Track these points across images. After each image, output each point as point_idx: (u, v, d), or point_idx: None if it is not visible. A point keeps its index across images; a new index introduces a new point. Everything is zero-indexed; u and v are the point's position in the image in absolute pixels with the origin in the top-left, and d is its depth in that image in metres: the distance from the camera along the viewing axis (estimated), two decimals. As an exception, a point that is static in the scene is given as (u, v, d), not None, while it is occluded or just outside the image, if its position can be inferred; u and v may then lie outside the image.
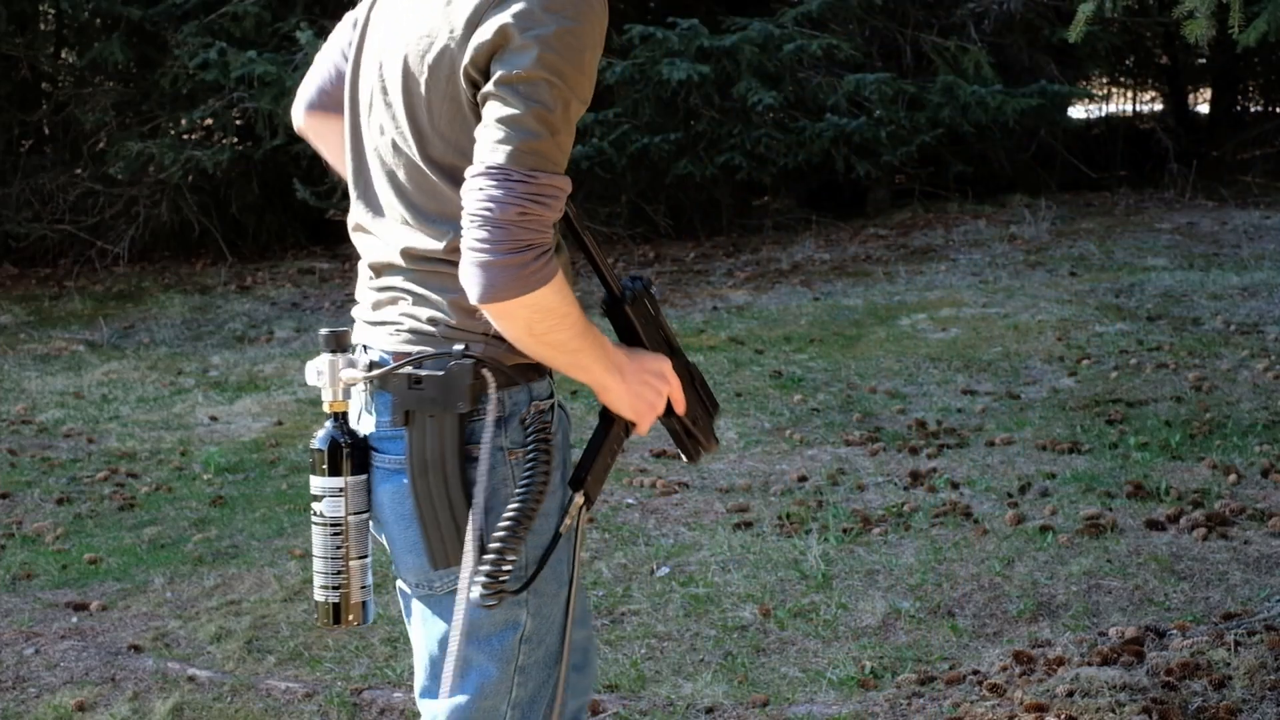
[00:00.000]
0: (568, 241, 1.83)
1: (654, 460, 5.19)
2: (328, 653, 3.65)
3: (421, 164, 1.74)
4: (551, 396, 1.84)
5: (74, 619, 3.93)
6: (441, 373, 1.71)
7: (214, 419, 6.19)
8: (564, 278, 1.68)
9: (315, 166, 10.46)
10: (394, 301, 1.79)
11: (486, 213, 1.61)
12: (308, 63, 9.35)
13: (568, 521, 1.83)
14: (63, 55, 11.60)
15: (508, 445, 1.76)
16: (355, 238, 1.88)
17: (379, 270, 1.83)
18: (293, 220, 11.11)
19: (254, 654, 3.66)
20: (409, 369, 1.73)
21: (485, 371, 1.72)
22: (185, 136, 10.76)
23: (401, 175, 1.77)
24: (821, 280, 9.02)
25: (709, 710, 3.27)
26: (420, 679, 1.88)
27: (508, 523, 1.71)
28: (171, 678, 3.53)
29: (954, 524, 4.36)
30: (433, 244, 1.74)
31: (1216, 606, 3.66)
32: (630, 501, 4.72)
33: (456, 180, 1.71)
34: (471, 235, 1.62)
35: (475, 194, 1.62)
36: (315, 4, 10.40)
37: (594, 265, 1.85)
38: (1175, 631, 3.47)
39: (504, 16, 1.63)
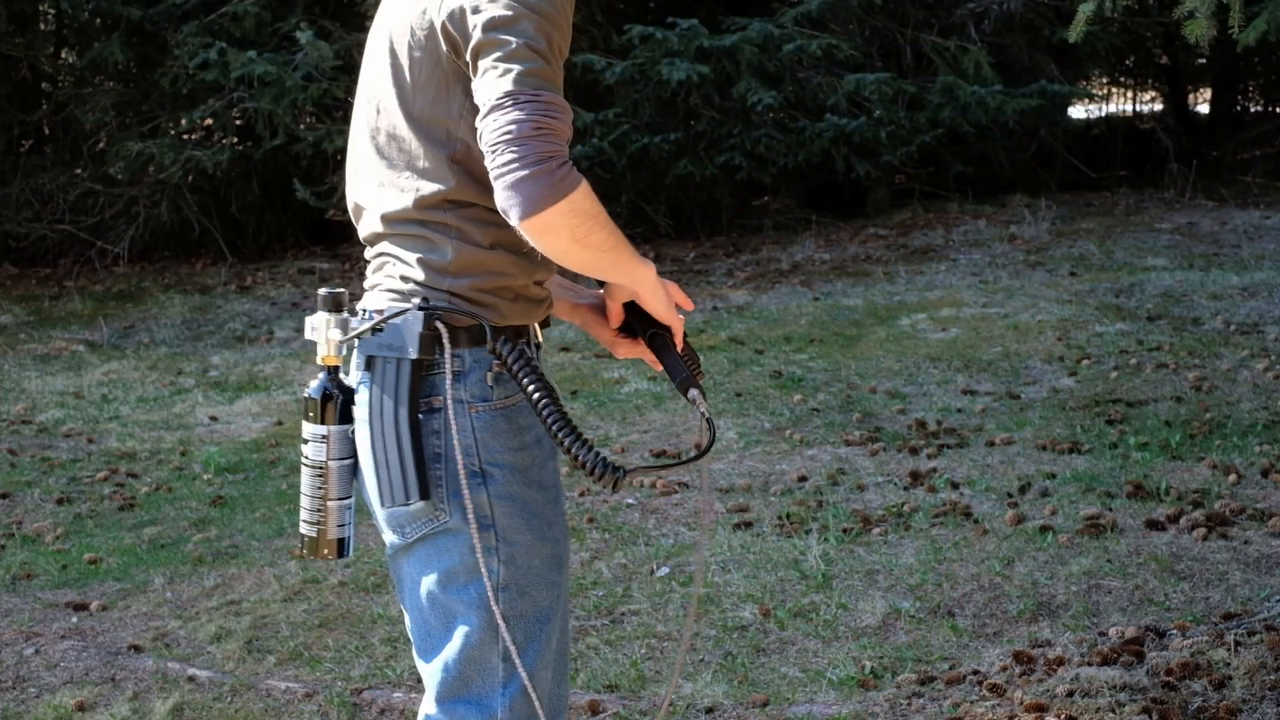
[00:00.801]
0: None
1: (654, 460, 5.19)
2: (328, 653, 3.65)
3: (401, 119, 1.83)
4: (535, 356, 1.92)
5: (74, 619, 3.93)
6: (398, 321, 1.81)
7: (214, 419, 6.19)
8: (584, 195, 1.74)
9: (315, 166, 10.48)
10: (381, 267, 1.90)
11: (506, 136, 1.68)
12: (308, 63, 9.39)
13: (701, 410, 1.93)
14: (63, 55, 11.60)
15: (467, 399, 1.82)
16: (355, 221, 1.97)
17: (371, 242, 1.93)
18: (293, 220, 11.11)
19: (254, 654, 3.66)
20: (375, 320, 1.84)
21: (438, 324, 1.80)
22: (185, 136, 10.76)
23: (382, 137, 1.86)
24: (821, 280, 9.02)
25: (709, 710, 3.27)
26: (415, 641, 1.94)
27: (558, 427, 1.79)
28: (171, 678, 3.53)
29: (954, 524, 4.36)
30: (402, 202, 1.83)
31: (1216, 606, 3.66)
32: (630, 501, 4.72)
33: (432, 137, 1.80)
34: (497, 162, 1.69)
35: (490, 127, 1.70)
36: (315, 4, 10.40)
37: None
38: (1175, 631, 3.47)
39: None
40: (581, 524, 4.50)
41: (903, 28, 11.31)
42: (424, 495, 1.80)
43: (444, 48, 1.77)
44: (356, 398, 1.87)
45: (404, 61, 1.81)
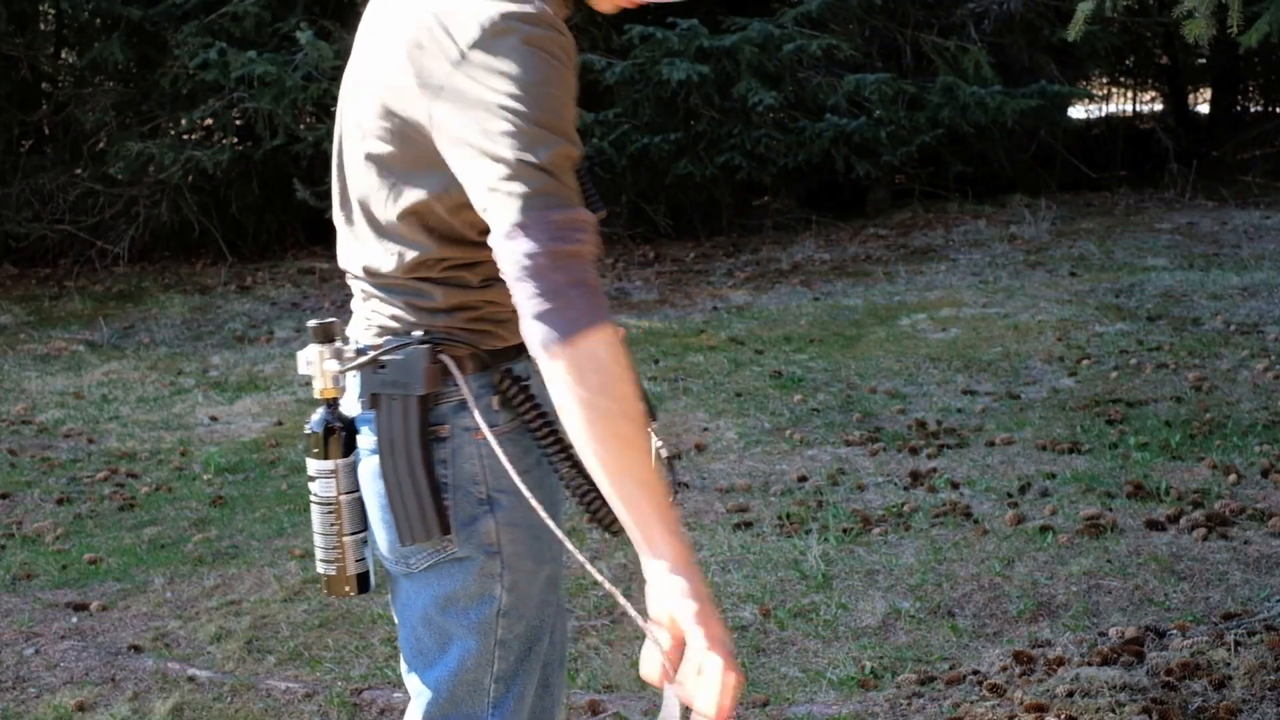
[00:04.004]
0: None
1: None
2: (328, 653, 3.65)
3: (378, 185, 1.77)
4: (530, 378, 1.86)
5: (74, 619, 3.93)
6: (400, 357, 1.77)
7: (214, 419, 6.19)
8: (620, 335, 1.64)
9: (315, 166, 10.48)
10: (366, 299, 1.86)
11: (523, 270, 1.61)
12: (308, 63, 9.39)
13: (660, 448, 1.88)
14: (63, 55, 11.61)
15: (474, 426, 1.80)
16: (338, 235, 1.93)
17: (352, 274, 1.89)
18: (293, 220, 11.12)
19: (254, 654, 3.66)
20: (375, 355, 1.80)
21: (443, 356, 1.77)
22: (185, 136, 10.76)
23: (367, 192, 1.80)
24: (821, 280, 9.02)
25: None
26: (405, 655, 1.92)
27: (569, 481, 1.81)
28: (171, 678, 3.53)
29: (954, 524, 4.36)
30: (387, 265, 1.79)
31: (1216, 606, 3.66)
32: (630, 501, 4.71)
33: (411, 209, 1.75)
34: (519, 295, 1.62)
35: (505, 259, 1.63)
36: (315, 4, 10.40)
37: None
38: (1175, 631, 3.47)
39: (469, 76, 1.64)
40: (581, 524, 4.50)
41: (903, 28, 11.31)
42: (445, 530, 1.79)
43: (430, 135, 1.69)
44: (361, 430, 1.84)
45: (383, 132, 1.74)
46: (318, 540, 1.87)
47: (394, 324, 1.81)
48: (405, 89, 1.70)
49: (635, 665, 3.50)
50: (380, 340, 1.82)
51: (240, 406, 6.38)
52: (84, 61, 10.60)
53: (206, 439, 5.86)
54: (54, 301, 9.43)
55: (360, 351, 1.84)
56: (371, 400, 1.80)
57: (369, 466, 1.84)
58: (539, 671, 1.92)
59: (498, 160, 1.62)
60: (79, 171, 10.76)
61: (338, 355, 1.85)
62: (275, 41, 9.98)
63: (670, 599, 1.56)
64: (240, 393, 6.66)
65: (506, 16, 1.63)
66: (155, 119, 10.51)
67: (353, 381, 1.87)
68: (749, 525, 4.44)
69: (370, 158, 1.78)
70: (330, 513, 1.85)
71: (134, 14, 10.09)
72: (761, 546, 4.26)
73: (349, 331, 1.91)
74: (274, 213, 11.03)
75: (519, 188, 1.61)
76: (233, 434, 5.93)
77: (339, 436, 1.84)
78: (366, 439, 1.84)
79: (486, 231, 1.67)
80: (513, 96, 1.62)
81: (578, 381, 1.57)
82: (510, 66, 1.63)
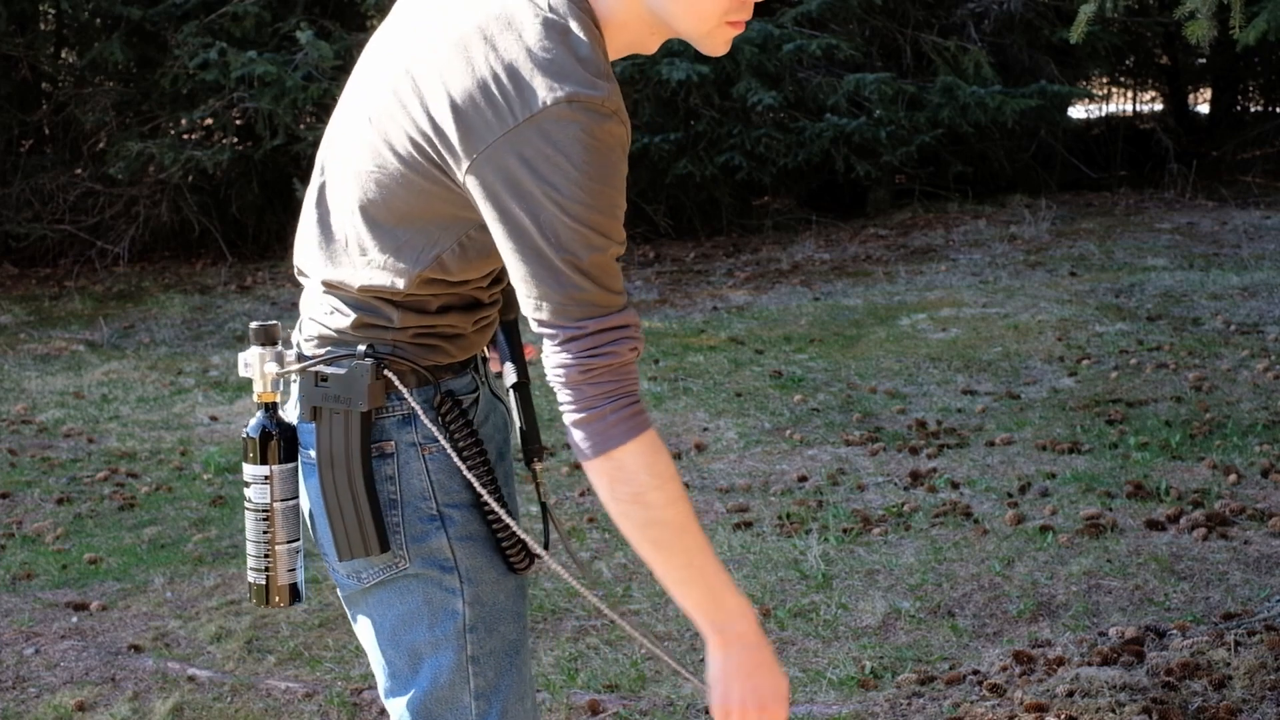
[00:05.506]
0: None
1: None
2: (328, 653, 3.65)
3: (379, 218, 1.72)
4: (476, 391, 1.84)
5: (74, 619, 3.93)
6: (343, 371, 1.73)
7: (214, 419, 6.19)
8: (655, 441, 1.65)
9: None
10: (318, 303, 1.82)
11: (560, 375, 1.62)
12: (308, 63, 9.40)
13: (542, 489, 1.89)
14: (63, 55, 11.60)
15: (419, 441, 1.77)
16: (303, 233, 1.87)
17: (302, 272, 1.85)
18: (293, 220, 11.03)
19: (254, 654, 3.66)
20: (317, 366, 1.76)
21: (387, 372, 1.74)
22: (185, 136, 10.76)
23: (359, 218, 1.75)
24: (821, 280, 9.02)
25: (708, 710, 3.27)
26: (381, 680, 1.87)
27: (486, 509, 1.78)
28: (171, 678, 3.53)
29: (954, 524, 4.36)
30: (355, 277, 1.75)
31: (1216, 606, 3.66)
32: (630, 501, 4.71)
33: (410, 245, 1.70)
34: (558, 397, 1.65)
35: (545, 359, 1.64)
36: (315, 4, 10.40)
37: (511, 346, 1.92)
38: (1175, 631, 3.47)
39: (520, 150, 1.57)
40: (582, 524, 4.50)
41: (903, 28, 11.31)
42: (384, 548, 1.75)
43: (453, 188, 1.64)
44: (303, 441, 1.81)
45: (407, 161, 1.66)
46: (249, 548, 1.82)
47: (337, 335, 1.77)
48: (449, 133, 1.62)
49: (635, 665, 3.50)
50: (321, 351, 1.78)
51: (240, 406, 6.38)
52: (84, 61, 10.60)
53: (206, 439, 5.86)
54: (54, 301, 9.43)
55: (300, 358, 1.80)
56: (312, 413, 1.77)
57: (314, 480, 1.80)
58: (524, 684, 1.86)
59: (540, 253, 1.58)
60: (79, 171, 10.76)
61: (279, 359, 1.81)
62: (275, 41, 9.98)
63: (715, 671, 1.80)
64: (240, 393, 6.66)
65: (573, 102, 1.55)
66: (155, 119, 10.50)
67: (292, 388, 1.83)
68: (749, 525, 4.44)
69: (383, 181, 1.69)
70: (264, 519, 1.80)
71: (134, 14, 10.08)
72: (761, 546, 4.26)
73: (295, 339, 1.86)
74: (274, 213, 11.04)
75: (559, 291, 1.58)
76: (233, 434, 5.93)
77: (276, 442, 1.79)
78: (308, 452, 1.80)
79: (464, 282, 1.70)
80: (565, 190, 1.56)
81: (610, 494, 1.65)
82: (565, 158, 1.55)
